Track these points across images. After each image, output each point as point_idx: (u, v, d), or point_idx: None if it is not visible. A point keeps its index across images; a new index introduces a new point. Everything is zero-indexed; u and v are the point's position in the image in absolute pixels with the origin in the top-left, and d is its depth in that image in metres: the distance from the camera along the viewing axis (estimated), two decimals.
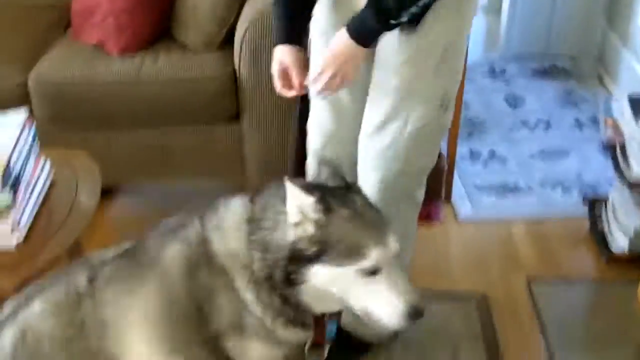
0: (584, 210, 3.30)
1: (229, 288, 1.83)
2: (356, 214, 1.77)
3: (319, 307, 1.89)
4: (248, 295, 1.83)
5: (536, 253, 3.18)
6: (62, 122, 3.17)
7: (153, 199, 3.43)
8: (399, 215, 2.36)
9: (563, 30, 4.49)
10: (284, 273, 1.76)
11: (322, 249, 1.72)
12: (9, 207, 2.30)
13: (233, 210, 1.88)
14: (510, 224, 3.33)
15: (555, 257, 3.16)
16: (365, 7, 2.05)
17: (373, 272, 1.75)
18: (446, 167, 3.34)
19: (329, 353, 2.68)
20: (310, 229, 1.72)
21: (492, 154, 3.76)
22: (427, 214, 3.32)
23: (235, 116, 3.17)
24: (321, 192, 1.75)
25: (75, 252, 2.69)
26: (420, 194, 2.50)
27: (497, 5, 4.54)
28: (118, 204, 3.34)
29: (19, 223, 2.33)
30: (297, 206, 1.71)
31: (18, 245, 2.34)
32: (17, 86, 3.17)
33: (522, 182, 3.56)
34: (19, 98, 3.11)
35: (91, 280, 1.86)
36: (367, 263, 1.73)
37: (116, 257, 1.92)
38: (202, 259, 1.84)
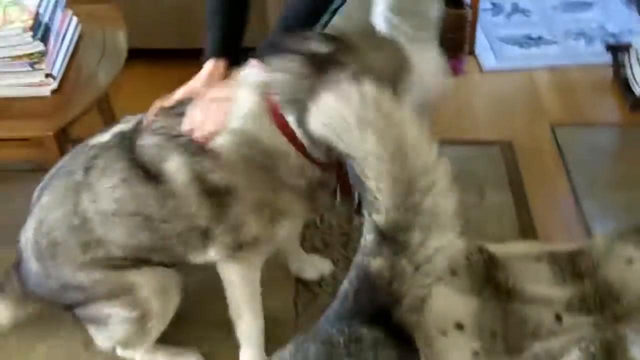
0: (607, 58, 3.30)
1: None
2: None
3: None
4: None
5: (560, 101, 3.20)
6: None
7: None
8: None
9: None
10: None
11: None
12: (42, 56, 2.33)
13: None
14: (534, 74, 3.36)
15: (579, 104, 3.18)
16: None
17: None
18: (469, 20, 3.33)
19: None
20: None
21: (515, 7, 3.75)
22: (451, 67, 3.33)
23: None
24: None
25: (104, 103, 2.75)
26: None
27: None
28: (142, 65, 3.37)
29: (52, 71, 2.37)
30: None
31: (52, 92, 2.39)
32: None
33: (546, 33, 3.56)
34: None
35: (87, 170, 1.93)
36: None
37: (111, 145, 1.96)
38: None
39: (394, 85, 1.74)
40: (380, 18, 2.38)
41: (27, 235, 2.01)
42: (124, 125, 2.01)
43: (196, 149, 1.89)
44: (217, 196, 1.92)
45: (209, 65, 2.06)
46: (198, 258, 2.03)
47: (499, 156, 2.92)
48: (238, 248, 2.01)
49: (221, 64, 2.05)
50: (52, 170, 2.05)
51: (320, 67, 1.78)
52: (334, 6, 2.02)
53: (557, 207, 2.75)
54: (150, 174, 1.92)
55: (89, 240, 1.94)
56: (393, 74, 1.82)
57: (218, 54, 2.07)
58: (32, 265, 2.02)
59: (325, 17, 1.99)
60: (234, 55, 2.07)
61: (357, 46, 1.82)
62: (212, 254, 2.02)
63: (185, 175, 1.90)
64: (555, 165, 2.90)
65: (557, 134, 3.02)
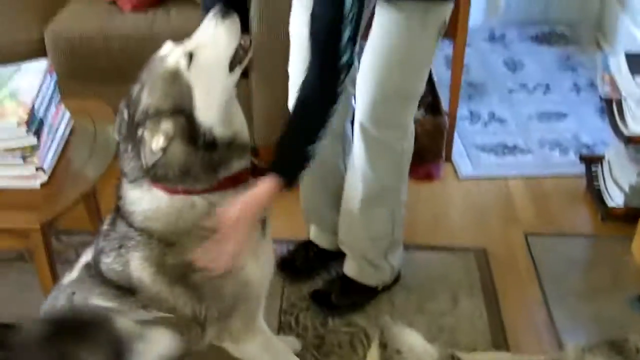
0: (580, 169, 3.40)
1: None
2: None
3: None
4: None
5: (534, 209, 3.28)
6: (77, 76, 3.24)
7: None
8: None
9: None
10: None
11: None
12: (34, 149, 2.39)
13: None
14: (509, 182, 3.44)
15: (553, 213, 3.26)
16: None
17: None
18: (447, 127, 3.43)
19: (334, 299, 2.79)
20: None
21: (492, 115, 3.86)
22: (427, 173, 3.43)
23: (244, 73, 3.23)
24: None
25: (90, 195, 2.80)
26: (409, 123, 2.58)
27: None
28: None
29: (42, 164, 2.42)
30: None
31: (42, 185, 2.43)
32: (34, 40, 3.25)
33: (521, 142, 3.66)
34: (36, 52, 3.18)
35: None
36: None
37: (82, 278, 2.03)
38: None
39: None
40: (357, 126, 2.48)
41: None
42: (86, 257, 2.07)
43: (145, 240, 1.95)
44: (184, 277, 1.97)
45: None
46: (203, 345, 2.06)
47: (473, 263, 2.99)
48: (230, 318, 2.06)
49: None
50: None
51: None
52: None
53: (529, 316, 2.80)
54: (125, 288, 1.97)
55: None
56: None
57: None
58: None
59: None
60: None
61: None
62: (213, 337, 2.06)
63: (148, 270, 1.95)
64: (528, 274, 2.96)
65: (530, 242, 3.09)
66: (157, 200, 1.94)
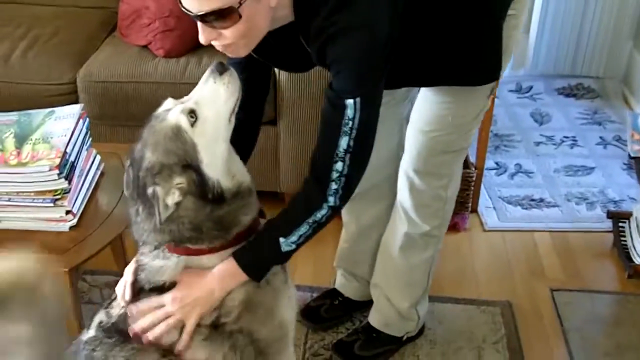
0: (607, 224, 3.39)
1: None
2: None
3: None
4: None
5: (560, 264, 3.27)
6: (108, 119, 3.28)
7: None
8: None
9: (590, 50, 4.58)
10: None
11: None
12: (65, 192, 2.42)
13: None
14: (535, 235, 3.43)
15: (579, 268, 3.24)
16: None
17: None
18: (474, 179, 3.44)
19: (357, 349, 2.78)
20: None
21: (519, 167, 3.86)
22: (453, 224, 3.43)
23: (273, 119, 3.27)
24: None
25: (117, 238, 2.81)
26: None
27: (526, 25, 4.63)
28: None
29: (72, 207, 2.45)
30: None
31: (71, 228, 2.46)
32: (67, 84, 3.30)
33: (548, 195, 3.66)
34: (68, 95, 3.26)
35: None
36: None
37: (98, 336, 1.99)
38: None
39: None
40: (402, 173, 2.49)
41: None
42: (101, 315, 2.03)
43: None
44: (219, 330, 1.96)
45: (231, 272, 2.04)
46: None
47: (498, 317, 2.97)
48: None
49: None
50: None
51: None
52: None
53: None
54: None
55: None
56: None
57: None
58: None
59: None
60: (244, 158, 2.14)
61: None
62: None
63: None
64: (553, 329, 2.94)
65: (556, 297, 3.08)
66: (181, 265, 1.94)
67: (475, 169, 3.44)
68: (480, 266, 3.27)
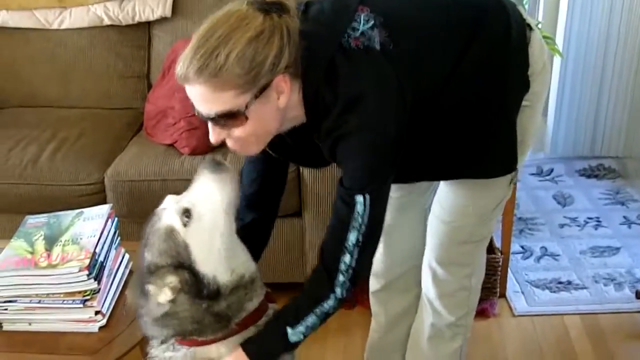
0: (637, 304, 3.37)
1: None
2: None
3: None
4: None
5: (592, 347, 3.24)
6: (135, 217, 3.28)
7: None
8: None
9: (608, 131, 4.62)
10: None
11: None
12: (94, 293, 2.43)
13: None
14: (565, 318, 3.41)
15: (611, 350, 3.21)
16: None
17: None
18: (500, 264, 3.43)
19: None
20: None
21: (544, 251, 3.86)
22: (482, 310, 3.41)
23: (298, 211, 3.30)
24: None
25: (146, 342, 2.81)
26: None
27: (544, 108, 4.66)
28: None
29: (102, 308, 2.46)
30: None
31: (100, 329, 2.46)
32: (94, 183, 3.35)
33: (575, 278, 3.65)
34: (96, 194, 3.32)
35: None
36: None
37: None
38: None
39: None
40: (426, 263, 2.50)
41: None
42: None
43: None
44: None
45: None
46: None
47: None
48: None
49: None
50: None
51: None
52: None
53: None
54: None
55: None
56: None
57: None
58: None
59: None
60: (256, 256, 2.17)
61: None
62: None
63: None
64: None
65: None
66: (189, 356, 1.97)
67: (502, 253, 3.44)
68: (511, 352, 3.25)
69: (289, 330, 1.96)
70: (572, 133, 4.64)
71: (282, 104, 1.90)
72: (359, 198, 1.90)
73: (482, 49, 2.06)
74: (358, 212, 1.91)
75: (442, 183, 2.39)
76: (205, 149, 3.32)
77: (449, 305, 2.53)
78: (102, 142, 3.56)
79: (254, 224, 2.18)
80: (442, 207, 2.40)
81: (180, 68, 1.83)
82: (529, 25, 2.18)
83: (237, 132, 1.89)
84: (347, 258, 1.94)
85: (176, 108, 3.39)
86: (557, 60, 4.40)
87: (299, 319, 1.97)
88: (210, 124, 1.92)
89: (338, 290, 1.96)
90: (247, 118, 1.85)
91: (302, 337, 1.97)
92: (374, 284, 2.71)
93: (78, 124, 3.71)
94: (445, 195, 2.38)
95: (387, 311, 2.76)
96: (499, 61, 2.10)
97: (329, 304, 1.96)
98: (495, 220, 2.46)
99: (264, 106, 1.86)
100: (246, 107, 1.83)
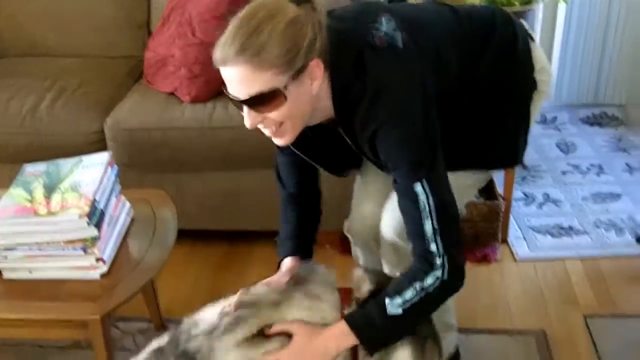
0: (637, 250, 3.38)
1: None
2: None
3: None
4: None
5: (592, 291, 3.25)
6: (136, 166, 3.32)
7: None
8: None
9: (612, 79, 4.60)
10: None
11: None
12: (95, 241, 2.44)
13: None
14: (566, 263, 3.42)
15: (611, 294, 3.22)
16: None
17: None
18: (502, 210, 3.44)
19: None
20: None
21: (546, 197, 3.86)
22: (484, 255, 3.43)
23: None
24: None
25: (149, 285, 2.83)
26: None
27: (548, 56, 4.63)
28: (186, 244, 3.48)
29: (103, 255, 2.47)
30: None
31: (102, 276, 2.48)
32: (95, 132, 3.34)
33: (577, 223, 3.65)
34: (96, 143, 3.30)
35: None
36: None
37: None
38: None
39: None
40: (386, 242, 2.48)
41: None
42: (159, 342, 2.08)
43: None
44: None
45: (287, 263, 2.26)
46: None
47: (533, 346, 2.95)
48: None
49: (296, 261, 2.26)
50: None
51: None
52: None
53: None
54: None
55: None
56: None
57: (293, 253, 2.29)
58: None
59: None
60: (308, 251, 2.33)
61: None
62: None
63: None
64: (588, 356, 2.92)
65: (589, 324, 3.05)
66: None
67: (504, 199, 3.45)
68: (513, 296, 3.26)
69: (387, 301, 1.99)
70: (576, 81, 4.63)
71: (315, 90, 1.93)
72: (418, 188, 1.95)
73: (494, 53, 2.18)
74: (422, 201, 1.95)
75: None
76: (206, 97, 3.32)
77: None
78: (102, 91, 3.54)
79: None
80: None
81: (219, 51, 1.86)
82: (530, 35, 2.32)
83: (274, 114, 1.91)
84: (433, 246, 1.98)
85: (176, 56, 3.37)
86: (561, 7, 4.39)
87: (397, 291, 2.00)
88: (245, 109, 1.93)
89: (438, 272, 1.99)
90: (285, 98, 1.87)
91: (400, 311, 1.99)
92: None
93: (78, 73, 3.69)
94: None
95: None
96: (509, 64, 2.22)
97: (428, 281, 1.99)
98: (467, 201, 2.47)
99: (300, 89, 1.89)
100: (285, 87, 1.86)
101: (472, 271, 3.34)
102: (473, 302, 3.16)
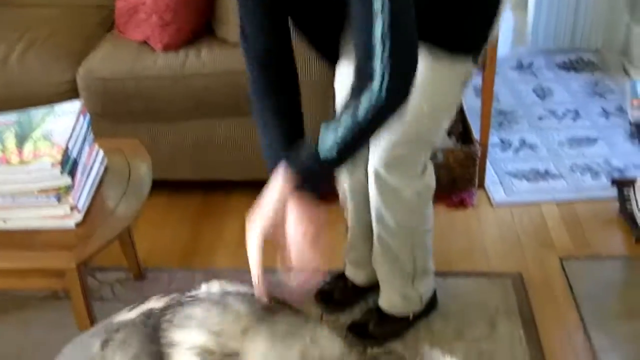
0: (613, 192, 3.39)
1: None
2: None
3: None
4: None
5: (568, 234, 3.27)
6: (109, 116, 3.29)
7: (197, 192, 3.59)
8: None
9: (588, 24, 4.59)
10: None
11: None
12: (68, 189, 2.43)
13: None
14: (542, 207, 3.44)
15: (587, 237, 3.24)
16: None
17: None
18: (479, 155, 3.44)
19: (371, 329, 2.80)
20: None
21: (523, 142, 3.87)
22: (461, 200, 3.44)
23: None
24: None
25: (125, 232, 2.83)
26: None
27: (524, 2, 4.63)
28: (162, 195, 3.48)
29: (77, 204, 2.46)
30: None
31: (77, 225, 2.47)
32: (66, 82, 3.31)
33: (553, 168, 3.66)
34: (68, 93, 3.25)
35: (104, 344, 1.79)
36: None
37: (135, 321, 1.84)
38: None
39: None
40: (371, 171, 2.47)
41: None
42: (153, 304, 1.90)
43: None
44: None
45: (281, 178, 1.83)
46: None
47: (510, 288, 2.97)
48: None
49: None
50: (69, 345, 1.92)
51: None
52: None
53: (567, 338, 2.78)
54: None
55: None
56: None
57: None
58: None
59: None
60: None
61: None
62: None
63: None
64: (564, 297, 2.95)
65: (565, 266, 3.08)
66: None
67: (480, 145, 3.45)
68: (489, 241, 3.27)
69: (322, 130, 1.79)
70: (552, 26, 4.61)
71: None
72: None
73: None
74: (379, 2, 1.73)
75: None
76: (178, 45, 3.30)
77: (394, 211, 2.51)
78: (73, 41, 3.49)
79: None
80: None
81: None
82: None
83: None
84: (377, 53, 1.74)
85: (147, 3, 3.33)
86: None
87: (333, 121, 1.79)
88: None
89: (375, 88, 1.74)
90: None
91: (334, 145, 1.77)
92: None
93: (49, 23, 3.64)
94: None
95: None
96: None
97: (364, 106, 1.75)
98: (444, 127, 2.43)
99: None
100: None
101: (449, 216, 3.37)
102: (450, 247, 3.18)
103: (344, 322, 2.85)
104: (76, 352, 1.89)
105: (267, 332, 1.72)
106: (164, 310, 1.82)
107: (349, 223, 2.82)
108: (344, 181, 2.69)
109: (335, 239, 2.91)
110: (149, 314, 1.83)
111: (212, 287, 1.85)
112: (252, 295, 1.81)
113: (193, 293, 1.84)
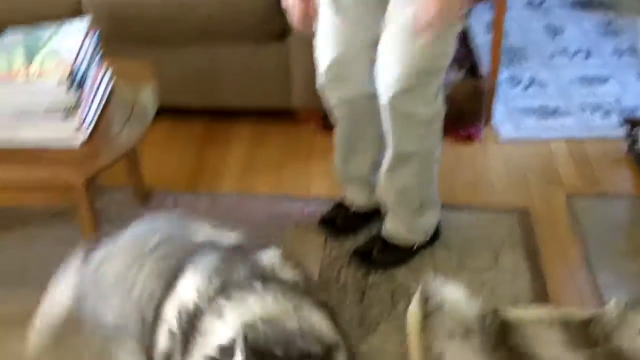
0: (622, 132, 3.36)
1: None
2: None
3: None
4: None
5: (576, 171, 3.25)
6: (112, 41, 3.23)
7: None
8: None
9: None
10: None
11: None
12: (75, 107, 2.41)
13: None
14: (551, 144, 3.41)
15: (595, 175, 3.23)
16: None
17: None
18: (486, 90, 3.41)
19: (375, 256, 2.81)
20: None
21: (532, 80, 3.83)
22: (467, 135, 3.42)
23: (282, 35, 3.24)
24: None
25: (132, 155, 2.81)
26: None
27: None
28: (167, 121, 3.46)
29: (83, 123, 2.44)
30: None
31: (82, 144, 2.45)
32: (72, 4, 3.26)
33: (562, 105, 3.63)
34: (73, 14, 3.18)
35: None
36: None
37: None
38: None
39: None
40: (382, 99, 2.46)
41: None
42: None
43: None
44: None
45: None
46: None
47: (515, 222, 2.97)
48: None
49: None
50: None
51: None
52: None
53: (571, 273, 2.79)
54: None
55: None
56: None
57: None
58: None
59: None
60: None
61: None
62: None
63: None
64: (570, 233, 2.94)
65: (572, 203, 3.07)
66: None
67: (488, 79, 3.41)
68: (496, 176, 3.26)
69: None
70: None
71: None
72: None
73: None
74: None
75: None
76: None
77: (405, 136, 2.53)
78: None
79: None
80: (397, 31, 2.33)
81: None
82: None
83: None
84: None
85: None
86: None
87: None
88: None
89: None
90: None
91: None
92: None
93: None
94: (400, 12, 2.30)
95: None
96: None
97: None
98: (453, 43, 2.41)
99: None
100: None
101: (455, 150, 3.34)
102: (455, 180, 3.17)
103: (348, 248, 2.86)
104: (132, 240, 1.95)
105: None
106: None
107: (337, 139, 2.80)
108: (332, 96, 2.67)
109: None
110: None
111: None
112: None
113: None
